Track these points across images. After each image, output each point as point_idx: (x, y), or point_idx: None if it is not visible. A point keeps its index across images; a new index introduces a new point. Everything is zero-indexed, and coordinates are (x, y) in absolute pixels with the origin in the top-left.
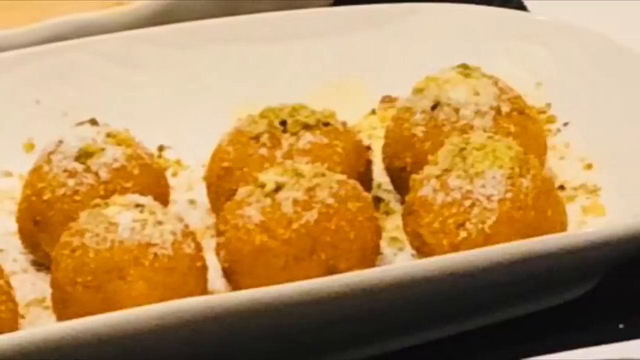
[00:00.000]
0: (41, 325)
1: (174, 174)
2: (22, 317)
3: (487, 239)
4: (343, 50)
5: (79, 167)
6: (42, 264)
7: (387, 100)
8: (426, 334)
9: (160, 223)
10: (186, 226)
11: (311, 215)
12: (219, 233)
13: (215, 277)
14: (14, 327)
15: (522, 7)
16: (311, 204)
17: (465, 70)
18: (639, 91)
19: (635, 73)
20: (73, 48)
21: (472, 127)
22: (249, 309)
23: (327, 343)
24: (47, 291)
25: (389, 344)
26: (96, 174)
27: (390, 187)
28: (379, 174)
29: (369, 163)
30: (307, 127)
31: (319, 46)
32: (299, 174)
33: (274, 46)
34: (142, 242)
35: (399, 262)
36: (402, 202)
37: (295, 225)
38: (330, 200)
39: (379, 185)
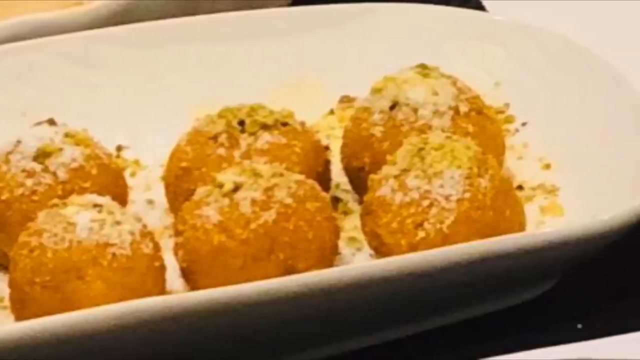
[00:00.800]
0: None
1: (133, 174)
2: None
3: (445, 239)
4: (301, 50)
5: (37, 167)
6: (0, 264)
7: (346, 100)
8: (384, 334)
9: (118, 223)
10: (144, 226)
11: (269, 216)
12: (177, 233)
13: (173, 277)
14: None
15: (481, 7)
16: (269, 204)
17: (423, 70)
18: (597, 91)
19: (593, 72)
20: (32, 48)
21: (430, 127)
22: (208, 309)
23: (285, 343)
24: (5, 291)
25: (347, 344)
26: (54, 174)
27: (348, 187)
28: (337, 174)
29: (327, 163)
30: (265, 127)
31: (277, 46)
32: (257, 174)
33: (233, 46)
34: (101, 242)
35: (357, 262)
36: (361, 202)
37: (253, 225)
38: (289, 201)
39: (337, 185)
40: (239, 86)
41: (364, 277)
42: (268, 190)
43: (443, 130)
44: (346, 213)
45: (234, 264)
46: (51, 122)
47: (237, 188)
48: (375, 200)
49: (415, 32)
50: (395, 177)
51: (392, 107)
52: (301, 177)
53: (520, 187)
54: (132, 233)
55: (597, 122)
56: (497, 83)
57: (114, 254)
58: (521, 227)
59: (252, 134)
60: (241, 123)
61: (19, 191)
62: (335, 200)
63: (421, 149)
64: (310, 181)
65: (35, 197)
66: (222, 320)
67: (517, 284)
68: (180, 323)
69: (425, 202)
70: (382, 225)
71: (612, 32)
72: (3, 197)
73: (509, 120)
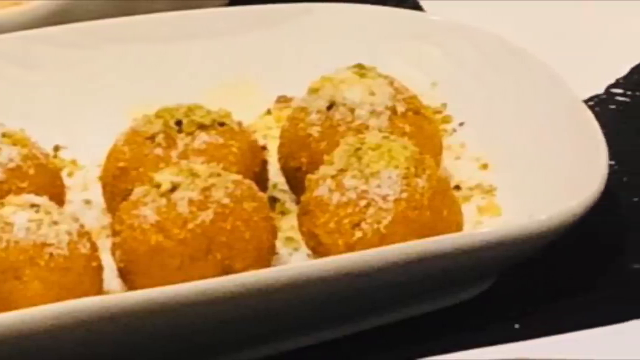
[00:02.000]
0: None
1: (70, 174)
2: None
3: (382, 239)
4: (239, 50)
5: None
6: None
7: (283, 100)
8: (322, 334)
9: (55, 223)
10: (82, 226)
11: (206, 215)
12: (115, 233)
13: (110, 277)
14: None
15: (418, 7)
16: (206, 204)
17: (360, 70)
18: (533, 91)
19: (529, 73)
20: None
21: (367, 127)
22: (145, 309)
23: (223, 343)
24: None
25: (284, 344)
26: None
27: (285, 187)
28: (275, 174)
29: (264, 163)
30: (202, 127)
31: (215, 46)
32: (194, 174)
33: (170, 46)
34: (38, 242)
35: (295, 262)
36: (298, 202)
37: (190, 225)
38: (226, 200)
39: (275, 185)
40: (176, 86)
41: (301, 277)
42: (205, 190)
43: (380, 131)
44: (283, 213)
45: (172, 264)
46: None
47: (174, 188)
48: (312, 200)
49: (353, 32)
50: (333, 177)
51: (329, 107)
52: (238, 177)
53: (457, 187)
54: (69, 233)
55: (533, 122)
56: (434, 83)
57: (51, 254)
58: (458, 227)
59: (190, 134)
60: (178, 123)
61: None
62: (273, 200)
63: (358, 149)
64: (248, 181)
65: None
66: (159, 320)
67: (455, 284)
68: (118, 323)
69: (363, 202)
70: (320, 225)
71: (548, 32)
72: None
73: (446, 120)
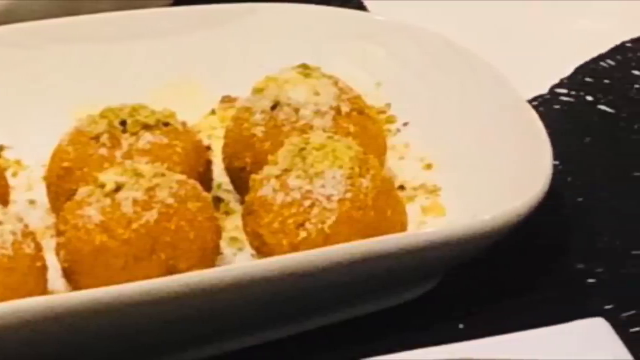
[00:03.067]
0: None
1: (14, 174)
2: None
3: (326, 239)
4: (183, 50)
5: None
6: None
7: (227, 100)
8: (266, 334)
9: (0, 223)
10: (26, 226)
11: (151, 215)
12: (59, 233)
13: (55, 277)
14: None
15: (362, 7)
16: (151, 204)
17: (305, 70)
18: (477, 91)
19: (473, 73)
20: None
21: (311, 127)
22: (89, 308)
23: (167, 343)
24: None
25: (229, 344)
26: None
27: (230, 187)
28: (219, 174)
29: (208, 163)
30: (146, 127)
31: (159, 46)
32: (138, 174)
33: (114, 46)
34: None
35: (239, 262)
36: (242, 202)
37: (135, 225)
38: (170, 200)
39: (219, 185)
40: (121, 86)
41: (245, 277)
42: (150, 190)
43: (324, 131)
44: (228, 213)
45: (116, 264)
46: None
47: (118, 188)
48: (256, 200)
49: (297, 32)
50: (277, 177)
51: (273, 107)
52: (183, 177)
53: (401, 187)
54: (13, 233)
55: (477, 122)
56: (378, 83)
57: None
58: (403, 227)
59: (134, 134)
60: (123, 123)
61: None
62: (217, 200)
63: (302, 149)
64: (192, 181)
65: None
66: (104, 320)
67: (399, 284)
68: (62, 323)
69: (307, 202)
70: (264, 225)
71: (492, 32)
72: None
73: (390, 120)
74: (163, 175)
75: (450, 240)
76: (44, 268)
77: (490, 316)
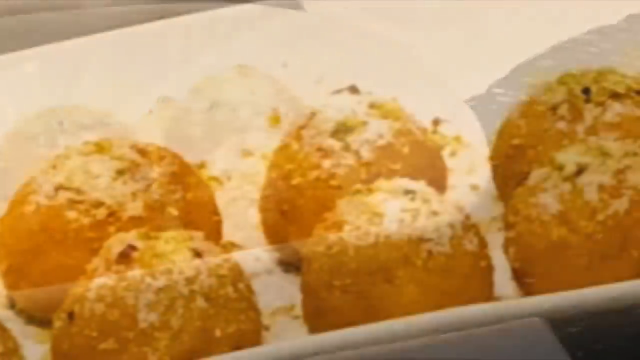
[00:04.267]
0: (290, 339)
1: (453, 154)
2: (266, 328)
3: None
4: None
5: (336, 144)
6: (290, 263)
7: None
8: None
9: (435, 214)
10: (467, 217)
11: (620, 204)
12: (508, 226)
13: (503, 279)
14: (256, 341)
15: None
16: (620, 190)
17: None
18: None
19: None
20: None
21: None
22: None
23: None
24: (297, 297)
25: None
26: (357, 153)
27: None
28: None
29: None
30: (615, 95)
31: None
32: (605, 154)
33: None
34: (413, 237)
35: None
36: None
37: (600, 217)
38: None
39: None
40: None
41: None
42: (619, 173)
43: None
44: None
45: (578, 264)
46: (353, 90)
47: (580, 170)
48: None
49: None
50: None
51: None
52: None
53: None
54: (452, 226)
55: None
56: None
57: (429, 252)
58: None
59: (600, 104)
60: (586, 91)
61: (313, 174)
62: None
63: None
64: None
65: (333, 182)
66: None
67: None
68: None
69: None
70: None
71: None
72: (294, 182)
73: None
74: (635, 154)
75: None
76: (490, 269)
77: None
